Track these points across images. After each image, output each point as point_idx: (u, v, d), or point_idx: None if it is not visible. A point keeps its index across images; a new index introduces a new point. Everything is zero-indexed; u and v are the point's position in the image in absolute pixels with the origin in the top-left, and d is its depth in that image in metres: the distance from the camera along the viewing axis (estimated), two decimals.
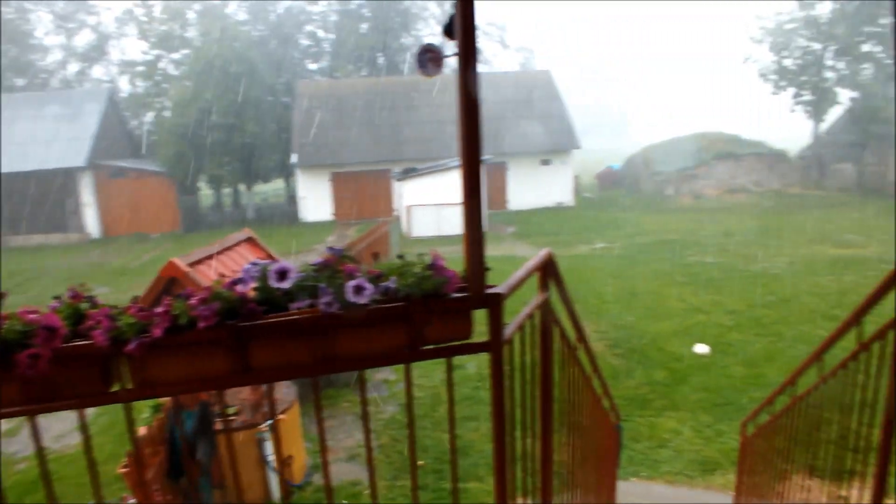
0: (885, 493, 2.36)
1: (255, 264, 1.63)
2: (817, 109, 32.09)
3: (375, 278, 1.64)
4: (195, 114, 28.20)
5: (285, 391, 6.76)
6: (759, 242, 19.69)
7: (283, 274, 1.52)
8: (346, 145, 29.37)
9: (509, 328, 1.81)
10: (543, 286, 2.14)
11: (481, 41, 40.85)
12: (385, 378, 9.94)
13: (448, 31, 1.60)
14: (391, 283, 1.64)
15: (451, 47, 1.60)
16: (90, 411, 1.66)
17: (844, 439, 2.57)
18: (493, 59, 42.87)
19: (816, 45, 31.07)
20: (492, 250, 19.83)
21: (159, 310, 1.56)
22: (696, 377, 9.61)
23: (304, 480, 6.92)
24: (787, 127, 37.84)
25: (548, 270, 2.14)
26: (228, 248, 5.94)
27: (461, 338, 1.68)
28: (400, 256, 1.67)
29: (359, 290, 1.51)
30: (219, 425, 5.85)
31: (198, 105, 28.21)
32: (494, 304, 1.64)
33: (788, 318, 12.14)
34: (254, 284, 1.63)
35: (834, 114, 33.03)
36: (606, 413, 4.77)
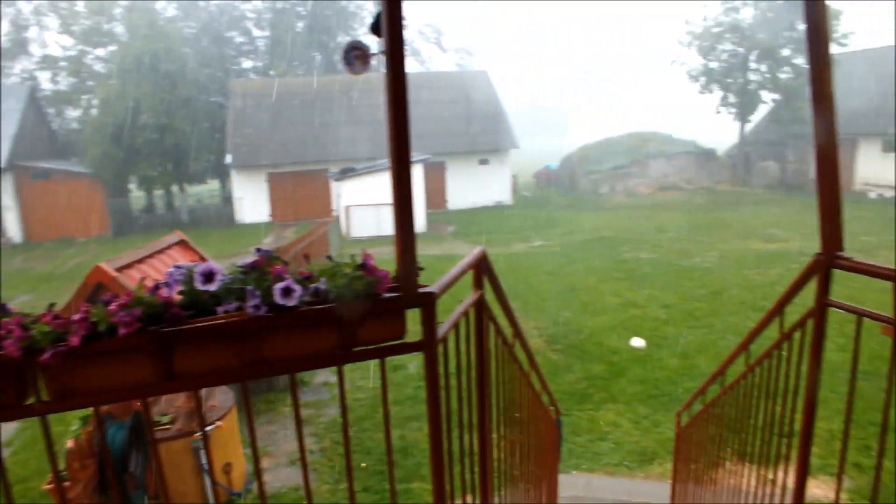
0: (808, 474, 2.46)
1: (179, 267, 1.57)
2: (743, 110, 33.40)
3: (305, 280, 1.61)
4: (124, 113, 27.15)
5: (223, 397, 6.59)
6: (691, 238, 20.35)
7: (209, 276, 1.46)
8: (282, 145, 28.88)
9: (443, 327, 1.81)
10: (478, 284, 2.14)
11: (418, 42, 40.94)
12: (326, 381, 9.82)
13: (375, 29, 1.58)
14: (321, 284, 1.61)
15: (378, 45, 1.58)
16: (10, 426, 1.57)
17: (771, 425, 2.66)
18: (429, 61, 42.88)
19: (741, 49, 32.33)
20: (432, 249, 19.93)
21: (76, 317, 1.48)
22: (632, 370, 9.85)
23: (245, 487, 6.77)
24: (716, 126, 39.19)
25: (482, 268, 2.14)
26: (159, 252, 5.74)
27: (394, 338, 1.66)
28: (329, 258, 1.64)
29: (287, 292, 1.48)
30: (153, 435, 5.67)
31: (126, 103, 27.16)
32: (427, 304, 1.63)
33: (719, 310, 12.58)
34: (179, 288, 1.57)
35: (759, 114, 34.47)
36: (546, 408, 4.83)
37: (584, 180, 33.06)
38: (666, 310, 12.79)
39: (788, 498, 2.58)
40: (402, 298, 1.60)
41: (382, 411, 1.79)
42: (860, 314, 2.09)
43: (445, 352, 1.90)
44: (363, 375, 9.90)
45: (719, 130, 39.82)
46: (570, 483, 7.02)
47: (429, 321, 1.66)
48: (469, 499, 2.45)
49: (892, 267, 1.90)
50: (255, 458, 1.78)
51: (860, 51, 31.84)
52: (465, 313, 1.99)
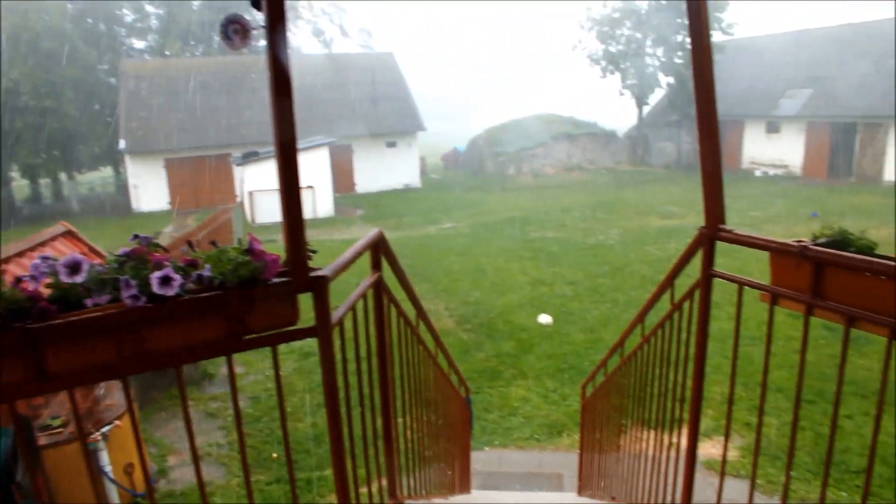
0: (699, 435, 2.58)
1: (46, 258, 1.46)
2: (641, 93, 34.73)
3: (189, 267, 1.53)
4: (1, 95, 25.16)
5: (121, 395, 6.26)
6: (595, 217, 21.04)
7: (74, 268, 1.36)
8: (180, 129, 27.55)
9: (339, 311, 1.77)
10: (376, 265, 2.11)
11: (322, 23, 39.89)
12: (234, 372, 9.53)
13: (255, 3, 1.50)
14: (206, 271, 1.53)
15: (259, 20, 1.50)
16: None
17: (667, 392, 2.78)
18: (332, 43, 41.84)
19: (638, 35, 33.53)
20: (340, 234, 19.62)
21: None
22: (541, 346, 10.12)
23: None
24: (617, 109, 40.57)
25: (379, 249, 2.11)
26: (41, 245, 5.36)
27: (286, 324, 1.60)
28: (213, 243, 1.57)
29: (165, 280, 1.39)
30: (42, 440, 5.33)
31: (3, 85, 25.16)
32: (319, 288, 1.58)
33: (622, 285, 13.10)
34: (47, 281, 1.46)
35: (656, 97, 35.96)
36: (455, 387, 4.87)
37: (492, 162, 33.47)
38: (572, 286, 13.19)
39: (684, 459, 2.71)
40: (292, 283, 1.54)
41: (278, 401, 1.74)
42: (740, 283, 2.20)
43: (342, 335, 1.86)
44: (271, 364, 9.66)
45: (619, 113, 41.24)
46: (483, 459, 7.16)
47: (321, 306, 1.62)
48: (377, 482, 2.43)
49: (769, 238, 2.01)
50: (141, 452, 1.69)
51: (747, 38, 33.75)
52: (363, 296, 1.96)
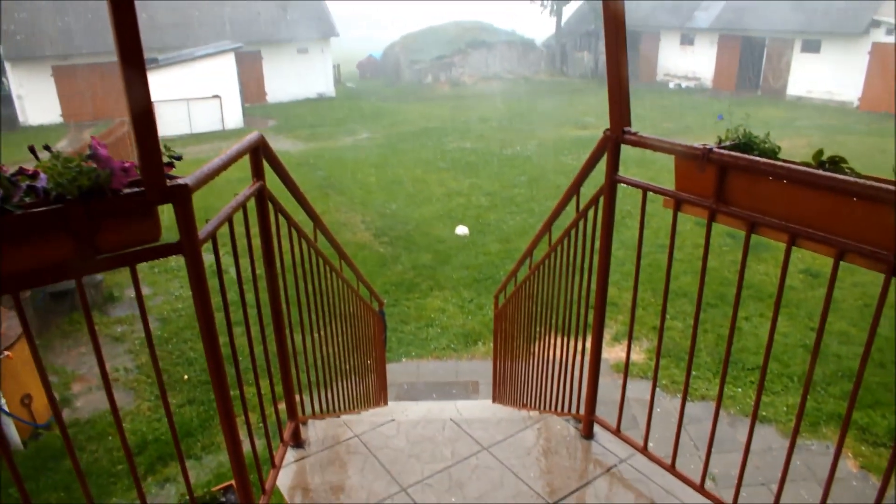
0: (602, 338, 2.58)
1: None
2: (558, 2, 34.15)
3: (22, 177, 1.30)
4: None
5: (8, 323, 5.86)
6: (512, 127, 20.95)
7: None
8: (68, 33, 25.09)
9: (210, 224, 1.58)
10: (257, 173, 1.91)
11: None
12: None
13: None
14: (42, 182, 1.30)
15: None
16: None
17: (574, 300, 2.76)
18: None
19: None
20: None
21: None
22: (458, 257, 10.15)
23: (51, 419, 6.20)
24: (534, 18, 39.81)
25: (260, 154, 1.90)
26: None
27: (146, 240, 1.41)
28: (47, 148, 1.33)
29: None
30: None
31: None
32: (179, 198, 1.39)
33: (538, 195, 13.21)
34: None
35: (573, 6, 35.45)
36: (366, 301, 4.78)
37: (409, 70, 32.55)
38: (489, 197, 13.20)
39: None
40: (146, 194, 1.34)
41: (143, 326, 1.56)
42: (644, 189, 2.14)
43: (216, 251, 1.69)
44: (182, 284, 9.33)
45: (538, 22, 40.56)
46: (400, 370, 7.22)
47: (185, 219, 1.43)
48: (274, 405, 2.33)
49: (673, 141, 1.93)
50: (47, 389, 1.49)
51: None
52: (242, 206, 1.77)
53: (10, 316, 6.07)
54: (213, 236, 1.58)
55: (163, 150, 1.50)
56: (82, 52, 24.89)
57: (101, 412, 6.36)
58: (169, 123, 21.13)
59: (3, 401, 5.49)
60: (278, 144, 18.92)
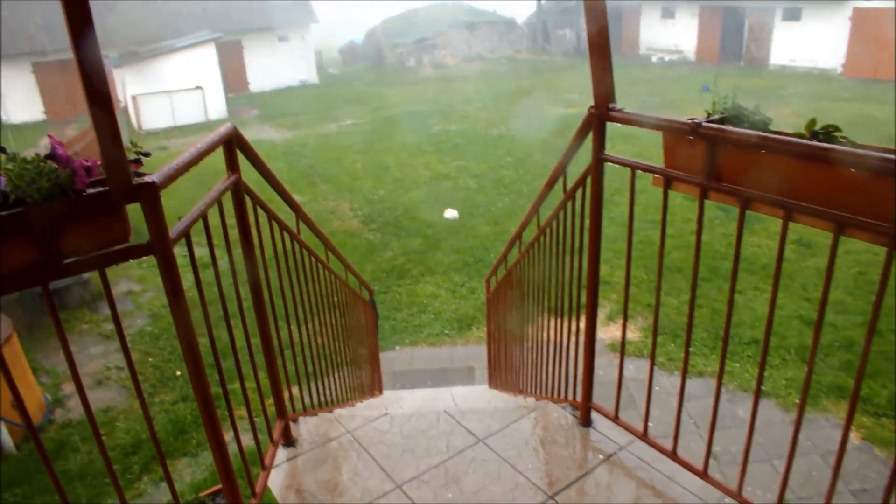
0: (596, 317, 2.52)
1: None
2: None
3: None
4: None
5: None
6: (497, 107, 20.79)
7: None
8: (46, 29, 24.59)
9: (182, 222, 1.51)
10: (231, 166, 1.83)
11: None
12: (129, 290, 9.04)
13: None
14: (1, 185, 1.23)
15: None
16: None
17: (566, 281, 2.70)
18: None
19: None
20: None
21: None
22: (448, 241, 10.08)
23: (43, 420, 6.13)
24: None
25: (233, 146, 1.82)
26: None
27: (115, 242, 1.34)
28: (2, 150, 1.25)
29: None
30: None
31: None
32: (147, 197, 1.31)
33: (525, 176, 13.12)
34: None
35: None
36: (356, 291, 4.72)
37: (391, 54, 32.22)
38: (476, 179, 13.11)
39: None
40: (111, 193, 1.26)
41: (116, 327, 1.49)
42: (633, 167, 2.08)
43: (191, 249, 1.61)
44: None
45: (518, 1, 40.21)
46: (394, 359, 7.17)
47: (154, 218, 1.35)
48: (266, 402, 2.27)
49: (660, 116, 1.87)
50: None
51: None
52: (217, 201, 1.69)
53: None
54: (186, 234, 1.51)
55: (129, 146, 1.42)
56: (61, 47, 24.42)
57: (94, 412, 6.26)
58: (152, 116, 20.84)
59: None
60: (263, 134, 18.73)
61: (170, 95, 21.23)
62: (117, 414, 6.35)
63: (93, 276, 8.93)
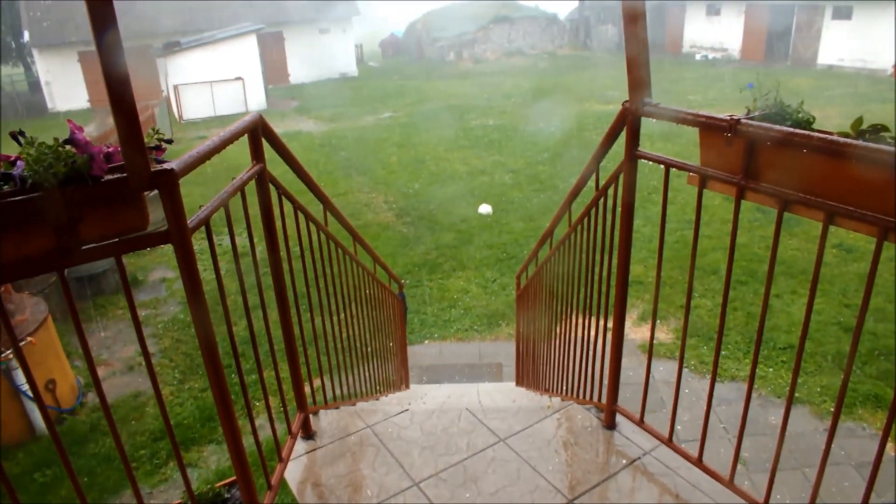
0: (625, 316, 2.46)
1: None
2: None
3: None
4: None
5: (32, 309, 5.90)
6: (535, 103, 20.61)
7: None
8: None
9: (203, 211, 1.49)
10: (257, 155, 1.82)
11: None
12: (163, 277, 9.20)
13: None
14: (18, 170, 1.22)
15: None
16: None
17: (595, 280, 2.64)
18: None
19: None
20: (275, 127, 19.09)
21: None
22: (481, 236, 10.02)
23: (76, 403, 6.26)
24: None
25: (259, 135, 1.80)
26: None
27: (132, 230, 1.33)
28: (21, 133, 1.25)
29: None
30: None
31: None
32: (165, 185, 1.30)
33: (562, 172, 12.97)
34: None
35: None
36: (385, 284, 4.70)
37: (431, 48, 32.21)
38: (512, 175, 13.01)
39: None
40: (128, 180, 1.25)
41: (132, 316, 1.49)
42: (667, 164, 2.00)
43: (211, 239, 1.60)
44: (206, 267, 9.28)
45: None
46: (422, 353, 7.15)
47: (172, 206, 1.34)
48: (285, 395, 2.26)
49: (697, 112, 1.79)
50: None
51: None
52: (240, 190, 1.68)
53: (34, 302, 6.11)
54: (206, 223, 1.50)
55: (150, 133, 1.41)
56: None
57: (124, 397, 6.41)
58: (193, 106, 21.19)
59: (27, 387, 5.54)
60: (301, 125, 18.88)
61: (211, 86, 21.55)
62: (146, 399, 6.45)
63: (128, 261, 9.12)
